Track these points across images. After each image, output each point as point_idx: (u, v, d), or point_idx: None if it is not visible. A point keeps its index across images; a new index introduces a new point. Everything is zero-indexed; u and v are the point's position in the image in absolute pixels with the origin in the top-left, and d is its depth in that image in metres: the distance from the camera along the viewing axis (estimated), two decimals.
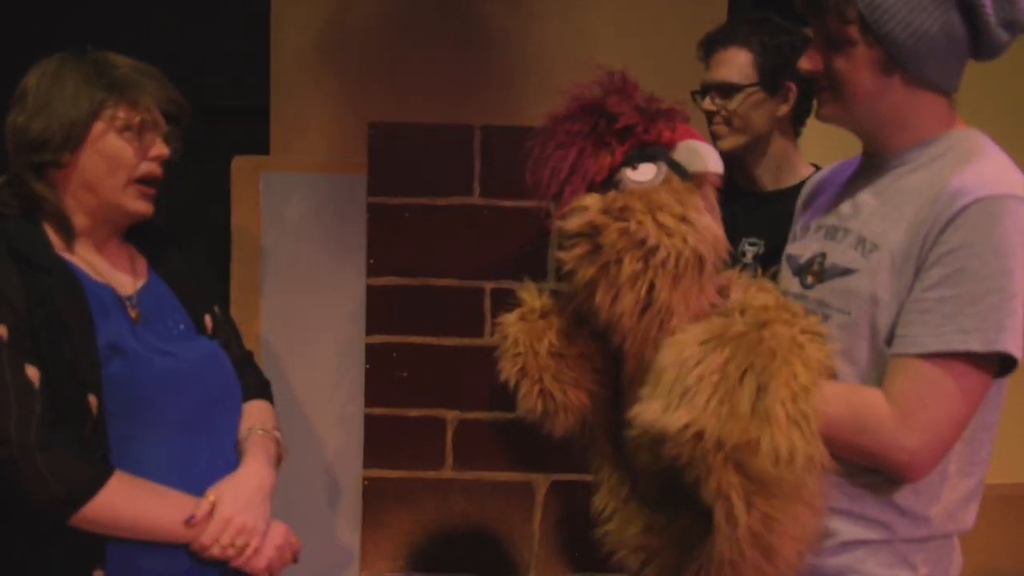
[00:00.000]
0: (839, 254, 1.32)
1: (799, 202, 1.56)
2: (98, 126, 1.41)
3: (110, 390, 1.35)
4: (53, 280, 1.36)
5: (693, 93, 1.97)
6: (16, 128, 1.41)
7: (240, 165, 2.36)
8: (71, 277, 1.38)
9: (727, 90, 1.91)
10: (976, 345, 1.17)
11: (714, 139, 1.94)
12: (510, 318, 1.42)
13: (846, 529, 1.29)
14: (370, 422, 2.34)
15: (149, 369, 1.39)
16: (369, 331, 2.33)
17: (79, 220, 1.43)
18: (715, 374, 1.16)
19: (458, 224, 2.30)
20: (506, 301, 1.46)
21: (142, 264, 1.54)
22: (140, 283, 1.50)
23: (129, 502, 1.34)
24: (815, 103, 1.38)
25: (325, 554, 2.40)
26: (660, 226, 1.20)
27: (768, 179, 1.98)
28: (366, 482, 2.35)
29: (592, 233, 1.22)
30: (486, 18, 2.34)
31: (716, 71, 1.93)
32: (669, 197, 1.23)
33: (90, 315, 1.36)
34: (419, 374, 2.33)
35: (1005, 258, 1.16)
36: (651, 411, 1.18)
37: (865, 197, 1.34)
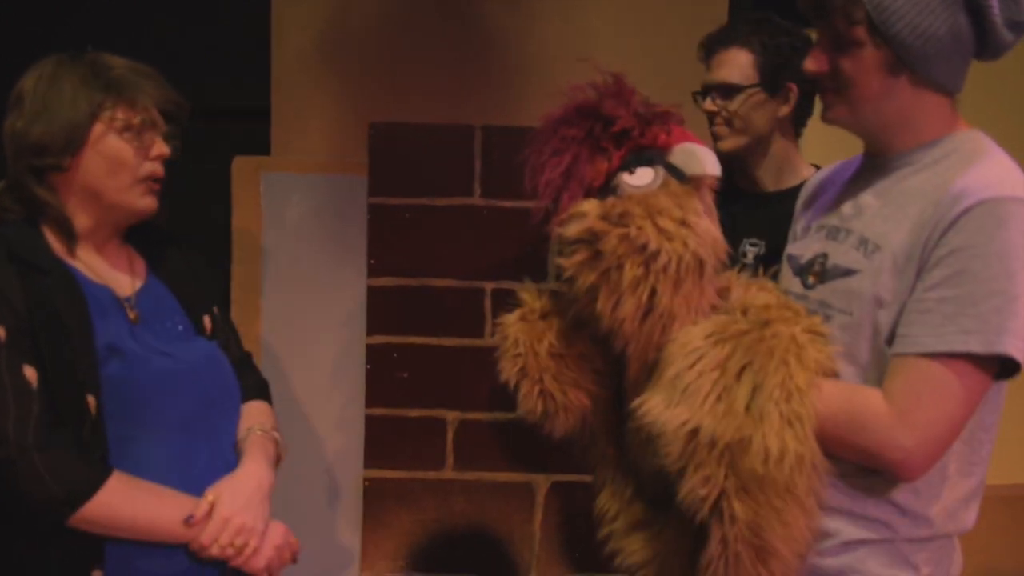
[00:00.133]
0: (841, 255, 1.32)
1: (799, 202, 1.55)
2: (98, 128, 1.40)
3: (108, 391, 1.35)
4: (52, 282, 1.36)
5: (694, 94, 1.96)
6: (15, 133, 1.40)
7: (240, 165, 2.35)
8: (70, 279, 1.38)
9: (728, 91, 1.91)
10: (976, 346, 1.17)
11: (715, 140, 1.94)
12: (510, 318, 1.42)
13: (847, 529, 1.29)
14: (370, 422, 2.34)
15: (147, 370, 1.39)
16: (369, 331, 2.33)
17: (81, 222, 1.43)
18: (715, 370, 1.17)
19: (458, 224, 2.30)
20: (506, 301, 1.45)
21: (141, 265, 1.53)
22: (139, 284, 1.50)
23: (128, 502, 1.34)
24: (820, 105, 1.37)
25: (325, 554, 2.40)
26: (660, 231, 1.20)
27: (769, 180, 1.98)
28: (367, 482, 2.34)
29: (592, 239, 1.22)
30: (486, 18, 2.34)
31: (717, 72, 1.93)
32: (668, 201, 1.22)
33: (89, 316, 1.36)
34: (419, 374, 2.32)
35: (1008, 261, 1.16)
36: (653, 405, 1.19)
37: (867, 198, 1.33)
